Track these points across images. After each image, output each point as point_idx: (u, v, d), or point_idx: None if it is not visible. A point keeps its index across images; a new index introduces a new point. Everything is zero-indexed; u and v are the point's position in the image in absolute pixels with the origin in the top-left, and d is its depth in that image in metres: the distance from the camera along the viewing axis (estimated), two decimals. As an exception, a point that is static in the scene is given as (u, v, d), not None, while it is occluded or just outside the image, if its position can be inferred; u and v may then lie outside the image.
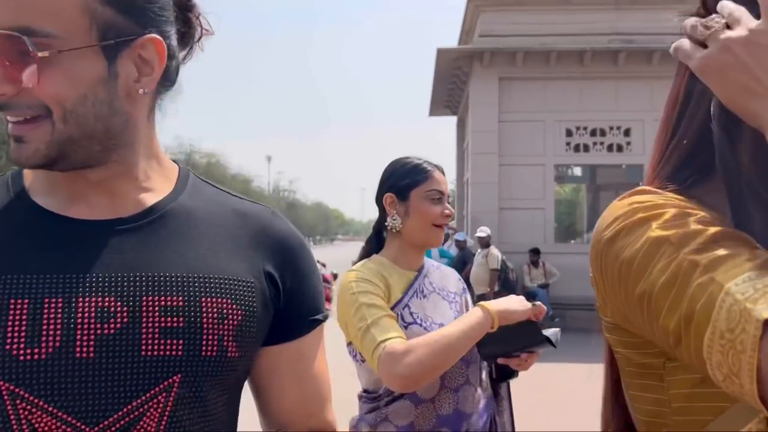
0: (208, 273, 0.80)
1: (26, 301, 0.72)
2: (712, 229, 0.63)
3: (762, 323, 0.54)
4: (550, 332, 1.60)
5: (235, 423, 0.87)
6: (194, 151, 35.85)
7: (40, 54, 0.70)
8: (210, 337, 0.78)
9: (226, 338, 0.79)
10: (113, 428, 0.72)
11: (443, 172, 1.80)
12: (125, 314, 0.74)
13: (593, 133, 11.49)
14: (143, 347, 0.74)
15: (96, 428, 0.71)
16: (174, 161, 0.91)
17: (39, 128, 0.73)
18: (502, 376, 1.78)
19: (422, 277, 1.75)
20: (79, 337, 0.72)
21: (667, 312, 0.62)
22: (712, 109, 0.68)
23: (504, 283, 9.25)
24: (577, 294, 9.42)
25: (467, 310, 1.78)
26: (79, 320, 0.73)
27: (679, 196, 0.70)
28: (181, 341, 0.76)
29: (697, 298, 0.59)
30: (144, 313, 0.75)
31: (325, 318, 0.96)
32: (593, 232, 0.74)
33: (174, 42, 0.82)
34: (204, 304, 0.78)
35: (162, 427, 0.75)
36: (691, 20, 0.66)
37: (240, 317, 0.81)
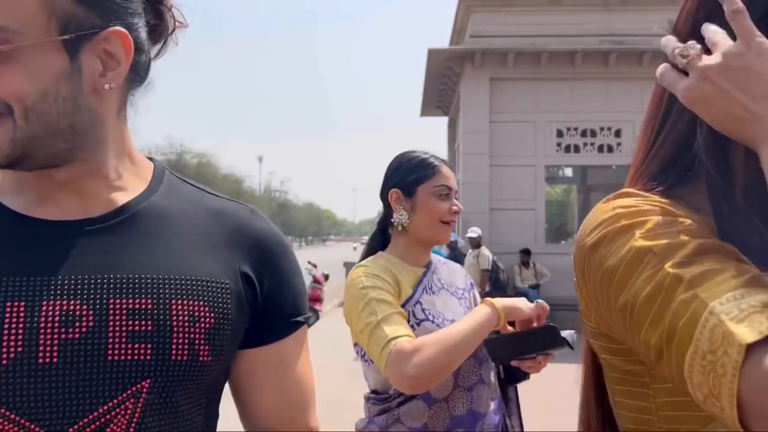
0: (180, 274, 0.78)
1: None
2: (697, 241, 0.62)
3: (745, 348, 0.52)
4: (566, 333, 1.56)
5: (213, 425, 0.85)
6: (185, 151, 35.85)
7: None
8: (180, 340, 0.76)
9: (197, 342, 0.77)
10: None
11: (451, 167, 1.74)
12: (91, 318, 0.72)
13: (584, 133, 11.52)
14: (110, 352, 0.72)
15: None
16: (150, 159, 0.89)
17: (0, 127, 0.71)
18: (512, 378, 1.74)
19: (431, 273, 1.70)
20: (42, 341, 0.70)
21: (649, 326, 0.60)
22: (698, 134, 0.68)
23: (495, 283, 9.27)
24: (568, 294, 9.34)
25: (476, 306, 1.71)
26: (42, 324, 0.70)
27: (663, 200, 0.69)
28: (149, 345, 0.74)
29: (680, 315, 0.57)
30: (111, 317, 0.73)
31: (308, 320, 0.93)
32: (577, 235, 0.73)
33: (143, 35, 0.79)
34: (174, 306, 0.76)
35: None
36: (670, 44, 0.65)
37: (213, 320, 0.78)
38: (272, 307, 0.86)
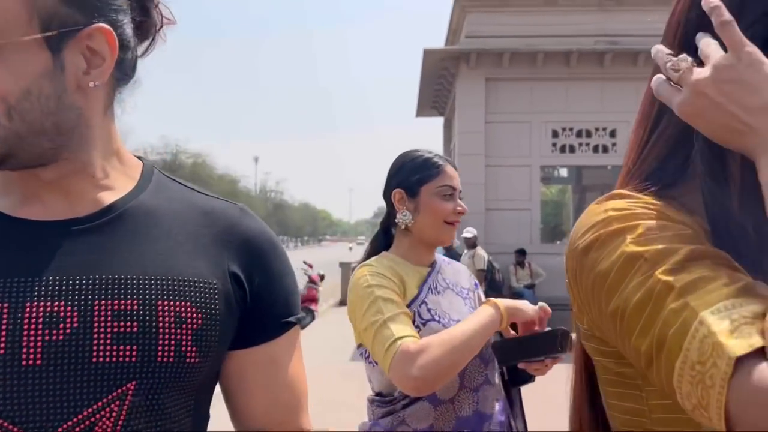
0: (166, 275, 0.77)
1: None
2: (689, 247, 0.61)
3: (734, 360, 0.52)
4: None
5: (203, 426, 0.84)
6: (180, 151, 35.77)
7: None
8: (167, 342, 0.74)
9: (184, 343, 0.76)
10: None
11: (455, 167, 1.70)
12: (75, 319, 0.71)
13: (579, 134, 11.53)
14: (94, 353, 0.71)
15: None
16: (139, 158, 0.88)
17: None
18: (517, 380, 1.72)
19: (435, 272, 1.67)
20: (25, 343, 0.69)
21: (639, 333, 0.60)
22: (694, 140, 0.67)
23: (490, 283, 9.28)
24: (563, 294, 9.24)
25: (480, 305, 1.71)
26: (26, 326, 0.69)
27: (656, 201, 0.68)
28: (135, 347, 0.72)
29: (670, 324, 0.57)
30: (96, 318, 0.72)
31: (300, 320, 0.91)
32: (569, 237, 0.72)
33: (128, 32, 0.78)
34: (160, 307, 0.75)
35: None
36: (661, 57, 0.65)
37: (200, 321, 0.77)
38: (262, 307, 0.85)
